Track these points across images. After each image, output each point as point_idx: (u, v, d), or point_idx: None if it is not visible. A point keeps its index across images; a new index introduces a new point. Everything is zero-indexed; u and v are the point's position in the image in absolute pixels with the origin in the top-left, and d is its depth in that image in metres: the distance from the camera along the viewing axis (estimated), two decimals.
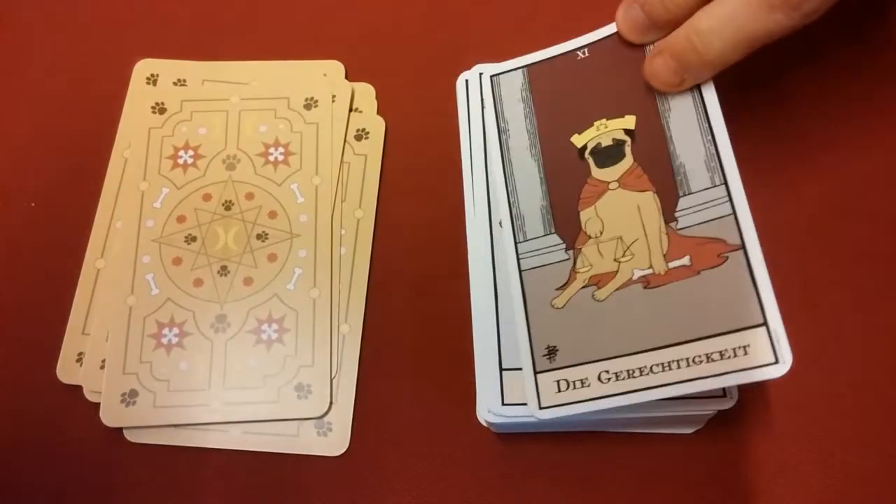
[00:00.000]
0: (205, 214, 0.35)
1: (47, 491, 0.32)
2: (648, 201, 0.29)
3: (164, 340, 0.33)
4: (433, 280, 0.35)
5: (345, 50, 0.39)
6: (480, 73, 0.34)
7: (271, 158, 0.36)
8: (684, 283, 0.28)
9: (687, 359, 0.26)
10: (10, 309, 0.35)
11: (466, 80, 0.36)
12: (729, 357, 0.26)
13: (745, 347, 0.26)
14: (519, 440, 0.33)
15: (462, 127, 0.35)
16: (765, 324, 0.26)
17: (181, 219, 0.35)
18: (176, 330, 0.33)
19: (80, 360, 0.33)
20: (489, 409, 0.29)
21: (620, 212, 0.29)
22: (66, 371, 0.33)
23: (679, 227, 0.29)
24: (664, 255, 0.28)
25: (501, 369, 0.30)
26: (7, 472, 0.32)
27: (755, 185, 0.36)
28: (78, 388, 0.33)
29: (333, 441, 0.32)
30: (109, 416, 0.32)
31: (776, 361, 0.25)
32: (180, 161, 0.36)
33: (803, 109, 0.37)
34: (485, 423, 0.32)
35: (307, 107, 0.37)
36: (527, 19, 0.40)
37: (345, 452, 0.32)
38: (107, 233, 0.35)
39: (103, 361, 0.33)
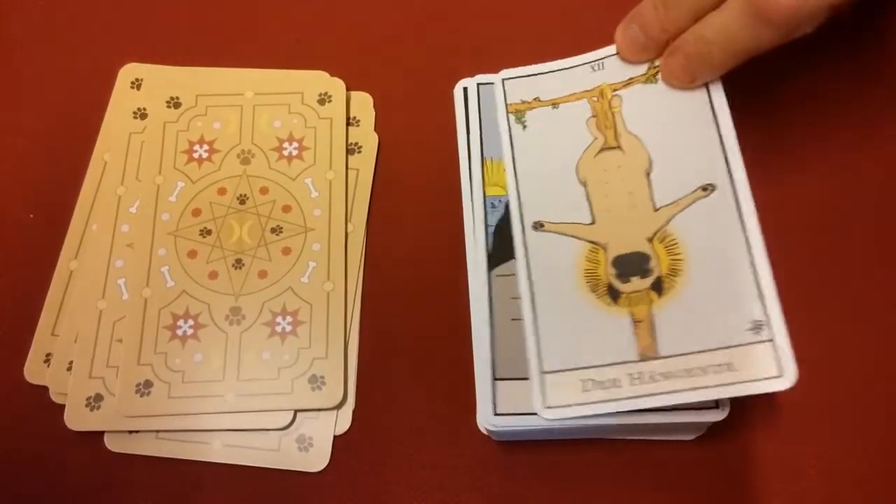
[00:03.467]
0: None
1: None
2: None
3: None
4: (433, 289, 0.35)
5: (342, 59, 0.40)
6: (504, 79, 0.35)
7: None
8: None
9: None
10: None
11: (465, 88, 0.36)
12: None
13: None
14: (520, 448, 0.33)
15: (460, 135, 0.35)
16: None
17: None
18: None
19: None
20: (486, 419, 0.30)
21: None
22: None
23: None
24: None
25: (494, 379, 0.30)
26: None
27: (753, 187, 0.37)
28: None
29: (313, 457, 0.32)
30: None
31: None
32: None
33: (799, 111, 0.38)
34: (485, 432, 0.32)
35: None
36: (527, 28, 0.41)
37: (328, 467, 0.32)
38: (82, 234, 0.36)
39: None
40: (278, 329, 0.33)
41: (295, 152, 0.37)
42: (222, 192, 0.36)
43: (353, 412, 0.33)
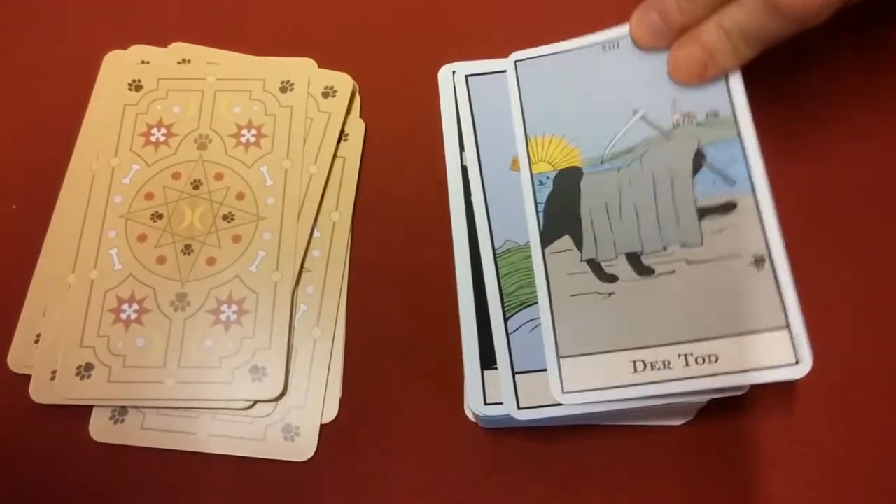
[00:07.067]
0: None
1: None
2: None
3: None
4: (421, 276, 0.35)
5: (327, 45, 0.39)
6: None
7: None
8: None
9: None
10: None
11: (454, 72, 0.35)
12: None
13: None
14: (507, 435, 0.32)
15: (445, 119, 0.34)
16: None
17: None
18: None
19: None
20: (474, 406, 0.29)
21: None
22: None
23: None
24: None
25: (483, 368, 0.30)
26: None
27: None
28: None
29: (300, 446, 0.32)
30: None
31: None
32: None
33: (810, 103, 0.37)
34: (473, 418, 0.32)
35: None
36: (511, 10, 0.40)
37: (315, 456, 0.32)
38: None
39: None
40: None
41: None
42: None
43: (341, 400, 0.33)
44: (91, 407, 0.32)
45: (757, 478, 0.31)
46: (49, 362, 0.32)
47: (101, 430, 0.32)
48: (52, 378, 0.32)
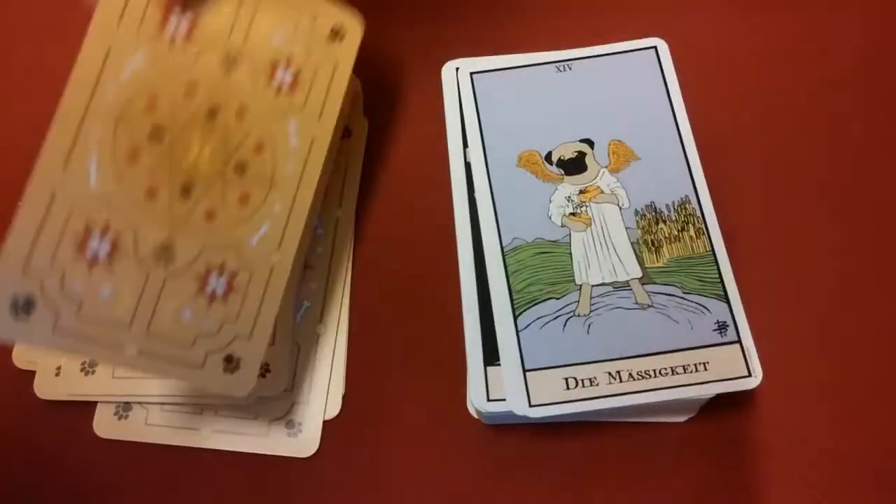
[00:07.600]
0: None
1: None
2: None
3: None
4: (424, 273, 0.34)
5: None
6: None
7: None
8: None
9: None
10: None
11: (457, 69, 0.34)
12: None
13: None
14: (510, 431, 0.32)
15: (449, 116, 0.34)
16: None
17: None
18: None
19: None
20: (477, 403, 0.30)
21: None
22: None
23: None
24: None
25: (486, 365, 0.30)
26: None
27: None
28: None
29: (303, 442, 0.31)
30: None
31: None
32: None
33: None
34: (476, 415, 0.32)
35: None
36: (513, 7, 0.39)
37: (318, 452, 0.32)
38: None
39: None
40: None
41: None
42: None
43: (343, 397, 0.33)
44: (95, 403, 0.32)
45: (759, 474, 0.31)
46: (53, 359, 0.32)
47: (105, 425, 0.31)
48: (57, 374, 0.32)
